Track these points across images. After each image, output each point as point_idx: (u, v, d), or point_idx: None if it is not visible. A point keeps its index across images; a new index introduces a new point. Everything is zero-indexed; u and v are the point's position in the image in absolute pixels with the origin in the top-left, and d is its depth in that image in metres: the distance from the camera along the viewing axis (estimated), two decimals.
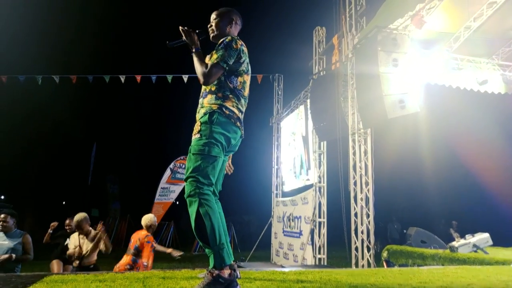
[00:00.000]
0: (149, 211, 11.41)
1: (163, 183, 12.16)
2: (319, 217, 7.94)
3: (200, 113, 2.17)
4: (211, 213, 1.96)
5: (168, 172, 12.24)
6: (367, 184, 6.45)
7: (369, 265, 6.14)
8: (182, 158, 12.22)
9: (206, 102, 2.17)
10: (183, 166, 12.17)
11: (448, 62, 7.08)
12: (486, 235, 5.54)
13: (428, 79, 6.92)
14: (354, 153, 6.65)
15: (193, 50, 2.21)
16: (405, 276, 2.59)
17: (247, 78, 2.28)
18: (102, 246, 4.55)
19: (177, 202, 18.01)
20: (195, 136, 2.10)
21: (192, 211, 1.97)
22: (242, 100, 2.23)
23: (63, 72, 10.17)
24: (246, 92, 2.29)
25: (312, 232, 7.84)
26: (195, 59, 2.18)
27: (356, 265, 6.28)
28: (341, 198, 6.67)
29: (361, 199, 6.39)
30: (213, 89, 2.17)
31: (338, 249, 8.80)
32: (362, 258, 6.22)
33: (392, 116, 5.67)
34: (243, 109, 2.26)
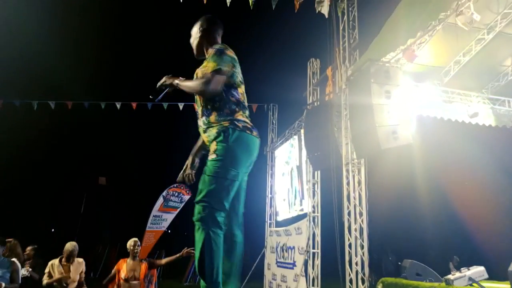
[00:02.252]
0: (140, 239, 11.19)
1: (155, 211, 11.99)
2: (313, 247, 7.82)
3: (210, 132, 2.07)
4: (215, 248, 1.88)
5: (160, 200, 12.09)
6: (361, 214, 6.41)
7: None
8: (175, 186, 12.11)
9: (213, 119, 2.07)
10: (176, 194, 12.06)
11: (439, 95, 7.24)
12: (481, 268, 5.48)
13: (420, 111, 7.05)
14: (348, 183, 6.65)
15: (176, 83, 2.09)
16: None
17: (244, 89, 2.23)
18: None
19: (169, 231, 17.70)
20: (210, 157, 2.01)
21: (199, 238, 1.90)
22: (247, 112, 2.19)
23: (59, 98, 10.24)
24: (246, 101, 2.23)
25: (305, 263, 7.70)
26: (184, 84, 2.08)
27: None
28: (335, 228, 6.60)
29: (355, 229, 6.33)
30: (216, 106, 2.08)
31: (332, 281, 8.61)
32: None
33: (385, 146, 5.72)
34: (248, 113, 2.20)
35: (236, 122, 2.04)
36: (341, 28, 7.36)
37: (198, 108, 2.20)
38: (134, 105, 10.08)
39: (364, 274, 6.12)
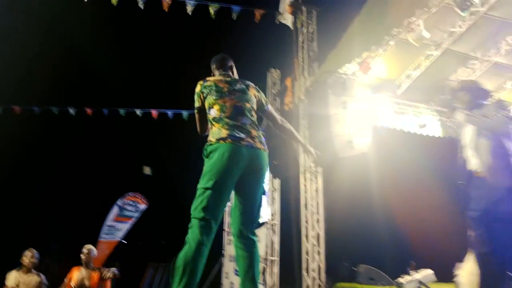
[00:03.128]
0: None
1: (109, 220, 11.51)
2: (271, 255, 7.86)
3: None
4: (185, 254, 2.02)
5: (115, 209, 11.63)
6: (318, 221, 6.54)
7: None
8: (130, 194, 11.72)
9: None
10: (132, 203, 11.67)
11: (392, 106, 7.60)
12: (430, 271, 5.77)
13: (374, 121, 7.35)
14: (305, 191, 6.77)
15: None
16: None
17: (223, 101, 2.41)
18: None
19: (124, 241, 17.08)
20: None
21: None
22: (227, 120, 2.34)
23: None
24: (228, 113, 2.38)
25: (264, 271, 7.72)
26: None
27: None
28: (292, 236, 6.68)
29: (313, 237, 6.44)
30: (209, 129, 2.43)
31: None
32: None
33: (342, 155, 5.91)
34: (237, 123, 2.33)
35: (211, 137, 2.31)
36: (300, 40, 7.54)
37: None
38: (89, 111, 9.68)
39: (320, 280, 6.22)
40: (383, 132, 7.60)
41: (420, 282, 5.51)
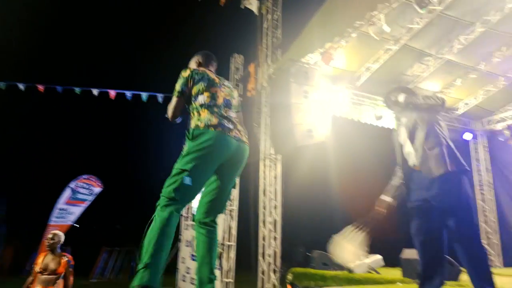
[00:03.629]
0: (39, 235, 10.27)
1: (61, 203, 11.05)
2: (229, 240, 7.91)
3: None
4: (154, 231, 2.03)
5: (67, 192, 11.17)
6: (275, 208, 6.65)
7: None
8: (85, 177, 11.30)
9: (191, 124, 2.34)
10: (86, 186, 11.26)
11: (351, 97, 7.80)
12: (379, 257, 6.07)
13: (334, 111, 7.52)
14: (264, 178, 6.84)
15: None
16: None
17: (215, 90, 2.43)
18: None
19: (76, 225, 16.51)
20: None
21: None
22: (216, 109, 2.35)
23: None
24: (220, 101, 2.41)
25: (220, 256, 7.76)
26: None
27: None
28: (250, 222, 6.76)
29: (270, 222, 6.55)
30: (192, 114, 2.37)
31: (246, 273, 8.83)
32: (268, 282, 6.32)
33: (301, 144, 6.01)
34: (225, 114, 2.36)
35: (199, 123, 2.26)
36: (265, 26, 7.51)
37: None
38: (41, 87, 9.12)
39: (276, 265, 6.37)
40: (342, 122, 7.80)
41: (369, 267, 5.79)
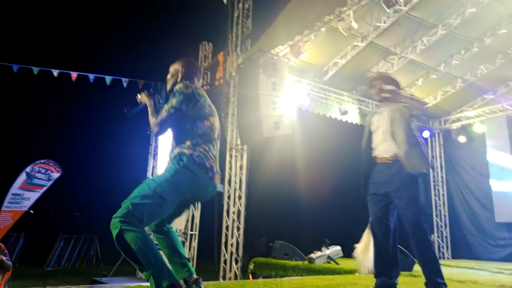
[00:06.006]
0: None
1: (15, 188, 10.53)
2: (191, 229, 7.88)
3: (171, 155, 2.13)
4: (137, 236, 1.87)
5: (23, 177, 10.66)
6: (240, 198, 6.68)
7: (236, 277, 6.32)
8: (43, 161, 10.81)
9: (176, 150, 2.10)
10: (43, 171, 10.79)
11: (318, 91, 7.92)
12: (338, 248, 6.27)
13: (300, 104, 7.61)
14: (230, 168, 6.85)
15: (149, 109, 2.20)
16: (268, 287, 2.74)
17: (214, 120, 2.22)
18: None
19: (31, 211, 15.83)
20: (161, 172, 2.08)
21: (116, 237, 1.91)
22: (213, 145, 2.17)
23: None
24: (216, 135, 2.23)
25: (183, 245, 7.73)
26: (149, 115, 2.19)
27: (224, 278, 6.39)
28: (214, 211, 6.76)
29: (234, 212, 6.59)
30: (182, 137, 2.12)
31: (208, 262, 8.84)
32: (230, 271, 6.37)
33: (267, 135, 6.05)
34: (214, 153, 2.18)
35: (194, 157, 2.06)
36: (235, 15, 7.44)
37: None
38: None
39: (238, 255, 6.42)
40: (308, 115, 7.92)
41: (329, 257, 5.97)
